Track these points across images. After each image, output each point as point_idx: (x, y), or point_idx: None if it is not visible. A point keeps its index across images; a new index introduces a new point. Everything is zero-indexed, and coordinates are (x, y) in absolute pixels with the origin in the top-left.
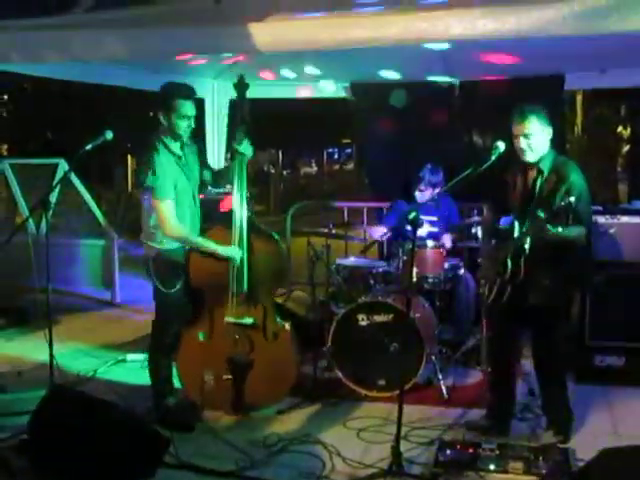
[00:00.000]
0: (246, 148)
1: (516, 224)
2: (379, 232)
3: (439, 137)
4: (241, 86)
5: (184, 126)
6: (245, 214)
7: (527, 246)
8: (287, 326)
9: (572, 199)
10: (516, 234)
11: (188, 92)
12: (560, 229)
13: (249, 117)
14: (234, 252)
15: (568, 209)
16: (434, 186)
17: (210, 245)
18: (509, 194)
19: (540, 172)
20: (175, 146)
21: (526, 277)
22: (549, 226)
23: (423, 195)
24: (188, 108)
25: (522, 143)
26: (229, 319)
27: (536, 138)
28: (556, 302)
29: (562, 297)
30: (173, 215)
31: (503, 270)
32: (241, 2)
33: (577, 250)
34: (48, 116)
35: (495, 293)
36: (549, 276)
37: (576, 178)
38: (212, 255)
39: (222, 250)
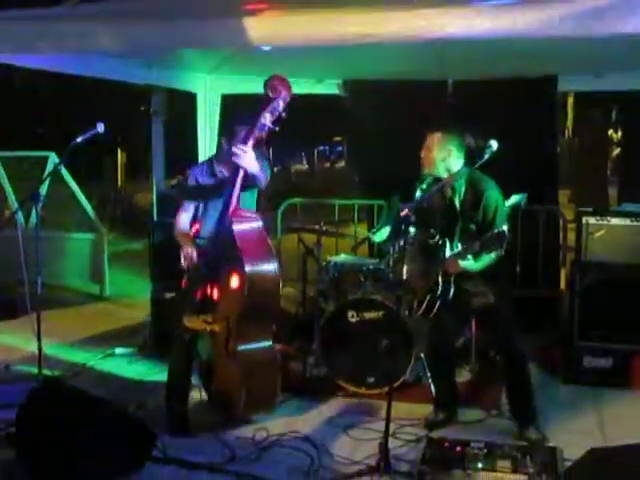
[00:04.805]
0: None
1: (447, 242)
2: None
3: None
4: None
5: None
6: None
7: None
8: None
9: (505, 228)
10: (447, 253)
11: None
12: (473, 262)
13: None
14: (190, 249)
15: (500, 235)
16: None
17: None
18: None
19: (454, 190)
20: None
21: (461, 287)
22: (463, 262)
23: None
24: None
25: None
26: (185, 318)
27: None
28: (498, 302)
29: (503, 297)
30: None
31: (435, 287)
32: None
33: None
34: (38, 110)
35: (424, 308)
36: (485, 283)
37: (492, 193)
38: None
39: (183, 243)
